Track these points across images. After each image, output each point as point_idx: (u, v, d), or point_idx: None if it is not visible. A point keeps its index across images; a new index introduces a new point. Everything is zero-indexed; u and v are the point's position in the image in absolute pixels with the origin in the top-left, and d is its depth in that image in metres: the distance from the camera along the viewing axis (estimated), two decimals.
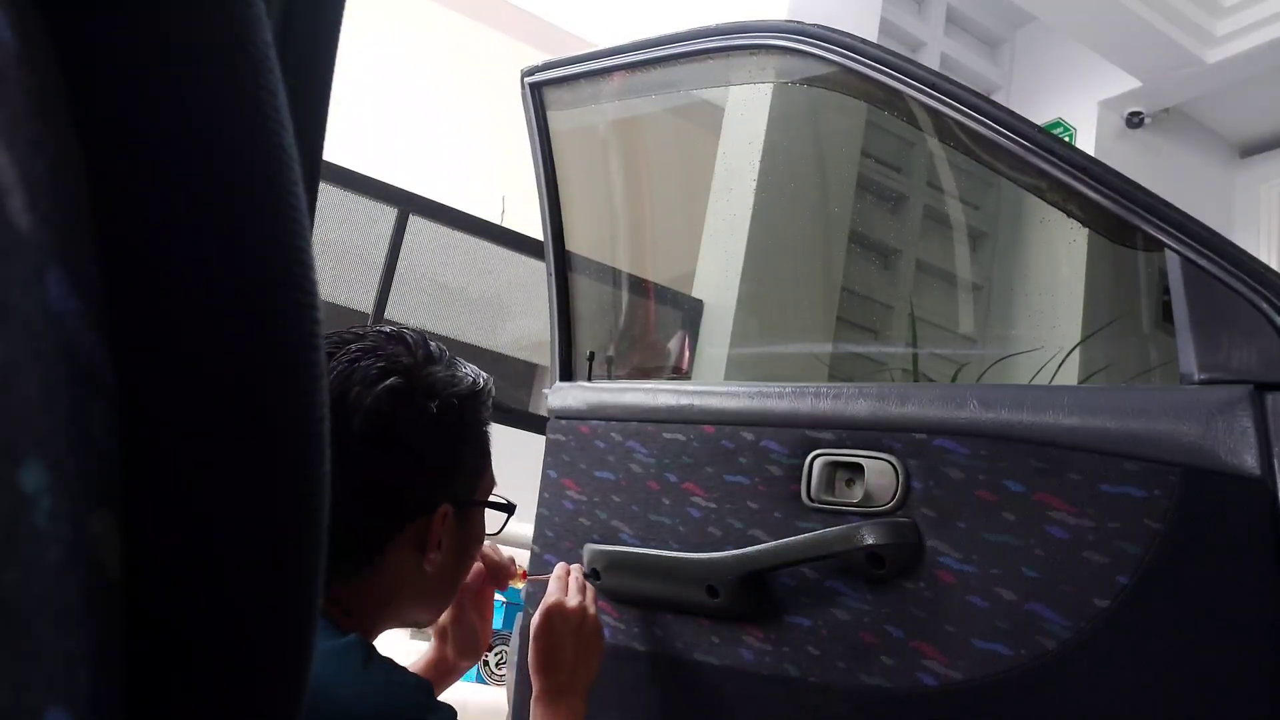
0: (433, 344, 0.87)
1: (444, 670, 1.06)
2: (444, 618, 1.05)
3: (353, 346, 0.82)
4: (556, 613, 1.01)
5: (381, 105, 4.29)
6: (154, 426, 0.22)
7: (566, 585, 1.06)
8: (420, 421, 0.82)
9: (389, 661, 0.79)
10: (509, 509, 0.95)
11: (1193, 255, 0.83)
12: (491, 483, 0.93)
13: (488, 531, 0.94)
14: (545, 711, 0.97)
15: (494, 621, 2.41)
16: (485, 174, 4.32)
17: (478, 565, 1.06)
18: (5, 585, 0.15)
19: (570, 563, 1.19)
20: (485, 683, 2.54)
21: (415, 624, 0.94)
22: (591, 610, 1.04)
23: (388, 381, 0.80)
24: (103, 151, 0.21)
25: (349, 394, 0.79)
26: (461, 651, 1.06)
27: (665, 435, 1.14)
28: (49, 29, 0.21)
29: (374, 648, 0.80)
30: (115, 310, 0.21)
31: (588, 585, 1.07)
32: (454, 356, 0.89)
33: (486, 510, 0.93)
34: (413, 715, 0.78)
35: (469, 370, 0.88)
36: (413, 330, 0.87)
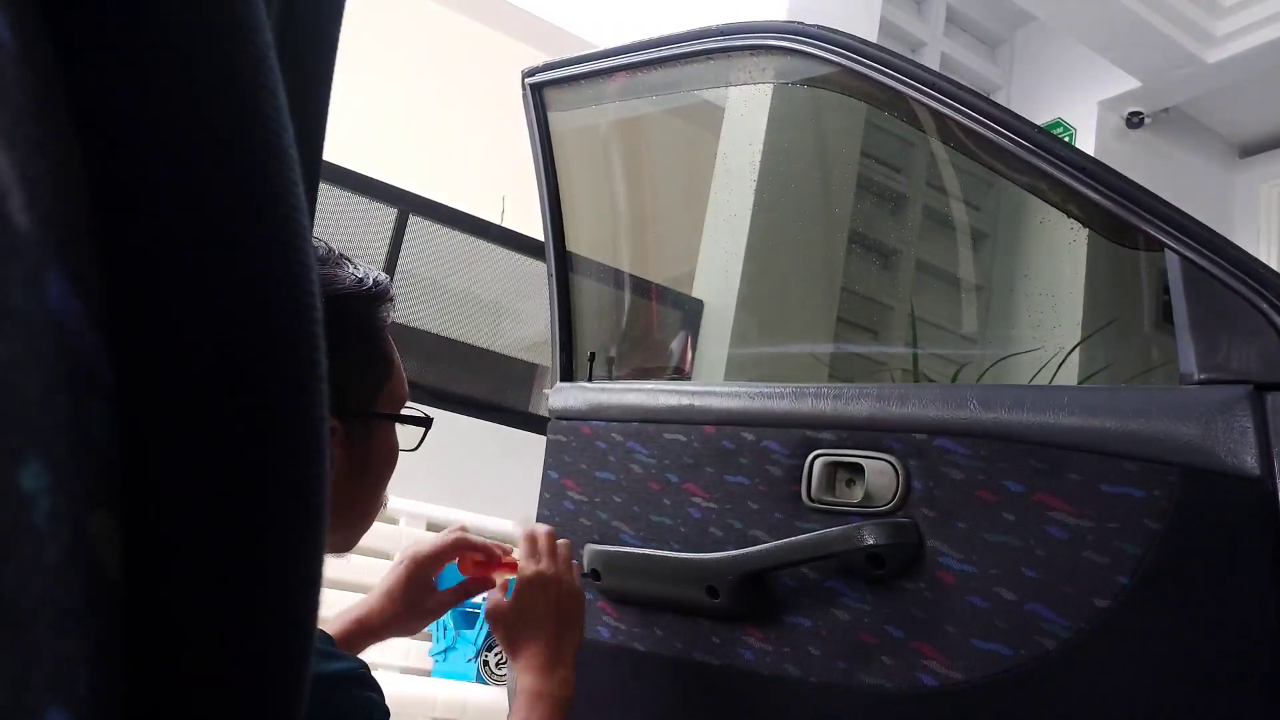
0: (321, 246, 0.80)
1: (364, 628, 1.00)
2: (392, 576, 1.00)
3: None
4: (527, 585, 0.95)
5: (381, 105, 4.29)
6: (154, 426, 0.22)
7: (536, 551, 0.99)
8: None
9: None
10: (424, 422, 0.87)
11: (1193, 255, 0.83)
12: (402, 394, 0.85)
13: (403, 447, 0.86)
14: (535, 686, 0.92)
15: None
16: (485, 174, 4.32)
17: (467, 552, 1.02)
18: (4, 585, 0.15)
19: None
20: (485, 683, 2.54)
21: (332, 551, 0.85)
22: (567, 575, 0.98)
23: None
24: (103, 151, 0.22)
25: None
26: (396, 618, 1.00)
27: (666, 436, 1.14)
28: (49, 29, 0.21)
29: None
30: (115, 310, 0.21)
31: (558, 546, 1.00)
32: (347, 257, 0.82)
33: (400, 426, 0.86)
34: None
35: (358, 270, 0.81)
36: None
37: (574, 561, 1.03)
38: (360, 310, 0.80)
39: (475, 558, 1.04)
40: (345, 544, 0.85)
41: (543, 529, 1.02)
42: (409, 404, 0.87)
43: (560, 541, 1.01)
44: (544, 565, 0.97)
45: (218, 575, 0.23)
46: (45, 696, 0.16)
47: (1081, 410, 0.86)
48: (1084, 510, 0.83)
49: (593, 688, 1.13)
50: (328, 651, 0.74)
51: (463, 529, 1.05)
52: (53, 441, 0.17)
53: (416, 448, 0.88)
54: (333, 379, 0.85)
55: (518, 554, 1.02)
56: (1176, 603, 0.79)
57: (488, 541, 1.05)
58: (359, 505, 0.83)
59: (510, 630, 0.95)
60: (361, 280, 0.80)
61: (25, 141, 0.18)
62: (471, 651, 2.58)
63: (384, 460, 0.84)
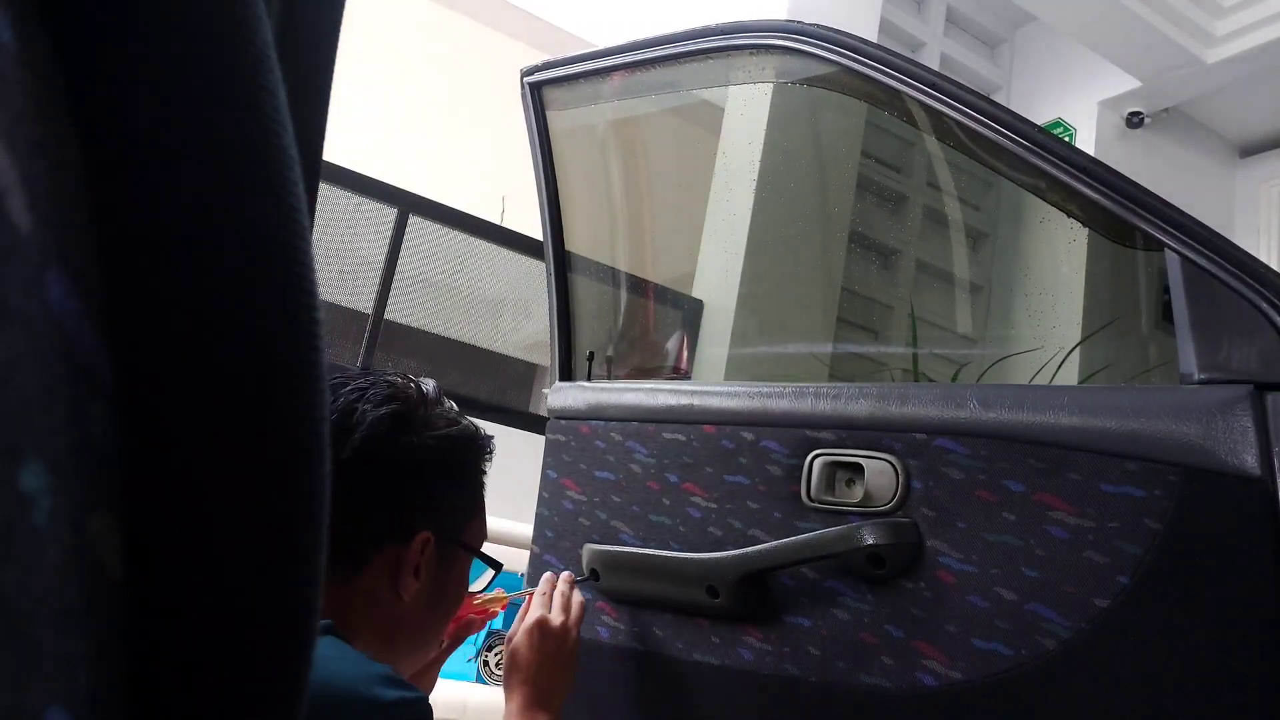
0: (441, 394, 0.92)
1: None
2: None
3: (362, 380, 0.87)
4: (541, 629, 1.02)
5: (381, 105, 4.29)
6: (154, 427, 0.22)
7: (550, 601, 1.06)
8: (413, 447, 0.85)
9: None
10: (496, 566, 0.96)
11: (1193, 255, 0.83)
12: (482, 534, 0.94)
13: (471, 588, 0.95)
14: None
15: (494, 623, 2.41)
16: (485, 174, 4.32)
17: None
18: (4, 585, 0.15)
19: (568, 563, 1.19)
20: (485, 683, 2.54)
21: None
22: (574, 633, 1.04)
23: (393, 406, 0.85)
24: (103, 152, 0.22)
25: (354, 412, 0.84)
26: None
27: (665, 435, 1.14)
28: (49, 29, 0.21)
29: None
30: (115, 310, 0.21)
31: (573, 603, 1.06)
32: (460, 412, 0.93)
33: (474, 563, 0.94)
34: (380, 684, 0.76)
35: (472, 422, 0.93)
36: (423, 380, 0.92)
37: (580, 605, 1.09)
38: (469, 453, 0.91)
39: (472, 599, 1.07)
40: (406, 664, 0.89)
41: (566, 577, 1.09)
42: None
43: (576, 600, 1.07)
44: (553, 615, 1.03)
45: (218, 575, 0.23)
46: (46, 697, 0.16)
47: (1081, 410, 0.86)
48: (1084, 510, 0.83)
49: (593, 688, 1.13)
50: (392, 678, 0.76)
51: None
52: (53, 442, 0.17)
53: (480, 591, 0.97)
54: (434, 503, 0.86)
55: (530, 570, 1.06)
56: (1177, 602, 0.79)
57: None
58: (431, 626, 0.90)
59: (509, 663, 1.02)
60: (476, 431, 0.92)
61: (25, 142, 0.18)
62: (471, 651, 2.58)
63: (456, 593, 0.92)
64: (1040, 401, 0.88)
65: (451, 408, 0.92)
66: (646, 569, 1.12)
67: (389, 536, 0.85)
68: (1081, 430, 0.85)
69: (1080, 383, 2.76)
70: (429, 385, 0.91)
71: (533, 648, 1.01)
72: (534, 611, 1.04)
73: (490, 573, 0.99)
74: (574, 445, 1.24)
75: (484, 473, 0.94)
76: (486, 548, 0.97)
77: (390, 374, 0.90)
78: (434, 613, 0.89)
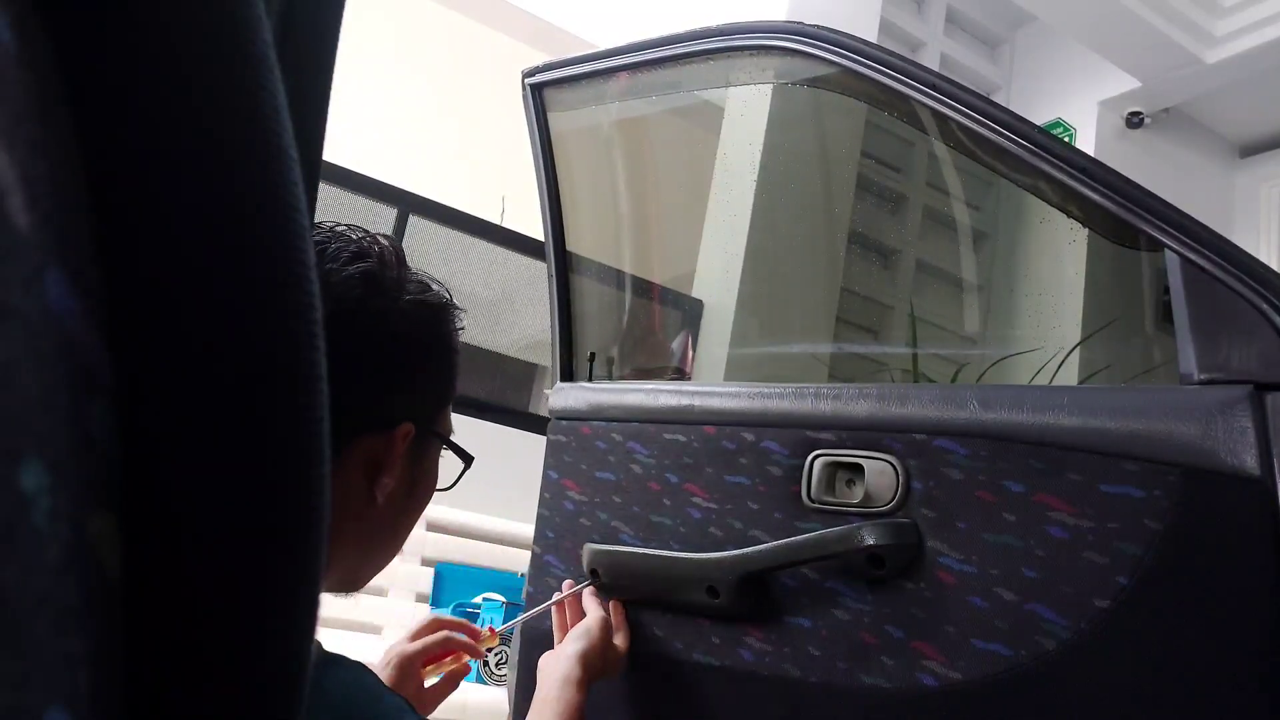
0: (390, 248, 0.78)
1: None
2: (383, 677, 0.94)
3: (325, 225, 0.74)
4: (602, 629, 1.05)
5: (382, 105, 4.29)
6: (154, 426, 0.22)
7: (572, 616, 1.10)
8: (391, 313, 0.72)
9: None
10: (467, 459, 0.83)
11: (1193, 255, 0.83)
12: (450, 425, 0.82)
13: (438, 486, 0.82)
14: (557, 691, 0.96)
15: (494, 622, 2.41)
16: (485, 174, 4.32)
17: (452, 641, 1.03)
18: (5, 585, 0.15)
19: (569, 564, 1.19)
20: (485, 683, 2.54)
21: (350, 582, 0.78)
22: (622, 648, 1.08)
23: (363, 264, 0.71)
24: (103, 152, 0.22)
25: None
26: None
27: (666, 436, 1.14)
28: (49, 29, 0.21)
29: None
30: (115, 310, 0.21)
31: (625, 628, 1.11)
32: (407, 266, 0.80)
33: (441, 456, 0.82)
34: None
35: (443, 287, 0.80)
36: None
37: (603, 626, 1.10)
38: (446, 322, 0.78)
39: (456, 641, 1.05)
40: (370, 572, 0.79)
41: (615, 606, 1.13)
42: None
43: (618, 638, 1.10)
44: (618, 636, 1.09)
45: (217, 575, 0.23)
46: (46, 696, 0.16)
47: (1081, 410, 0.86)
48: (1084, 510, 0.83)
49: (592, 688, 1.13)
50: (381, 691, 0.70)
51: (436, 619, 1.07)
52: (53, 441, 0.17)
53: (450, 488, 0.84)
54: (415, 385, 0.72)
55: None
56: (1176, 603, 0.79)
57: (461, 620, 1.09)
58: (398, 529, 0.78)
59: (569, 646, 1.02)
60: (449, 297, 0.78)
61: (25, 142, 0.18)
62: None
63: (428, 487, 0.80)
64: (1040, 402, 0.88)
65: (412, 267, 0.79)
66: (647, 569, 1.12)
67: (365, 424, 0.71)
68: (1081, 430, 0.85)
69: (1080, 383, 2.76)
70: (395, 243, 0.78)
71: (592, 639, 1.03)
72: (598, 613, 1.08)
73: (459, 469, 0.84)
74: (575, 446, 1.24)
75: (457, 351, 0.80)
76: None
77: (346, 225, 0.76)
78: (404, 513, 0.78)
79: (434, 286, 0.78)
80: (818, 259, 3.50)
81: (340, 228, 0.75)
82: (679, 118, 3.48)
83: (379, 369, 0.72)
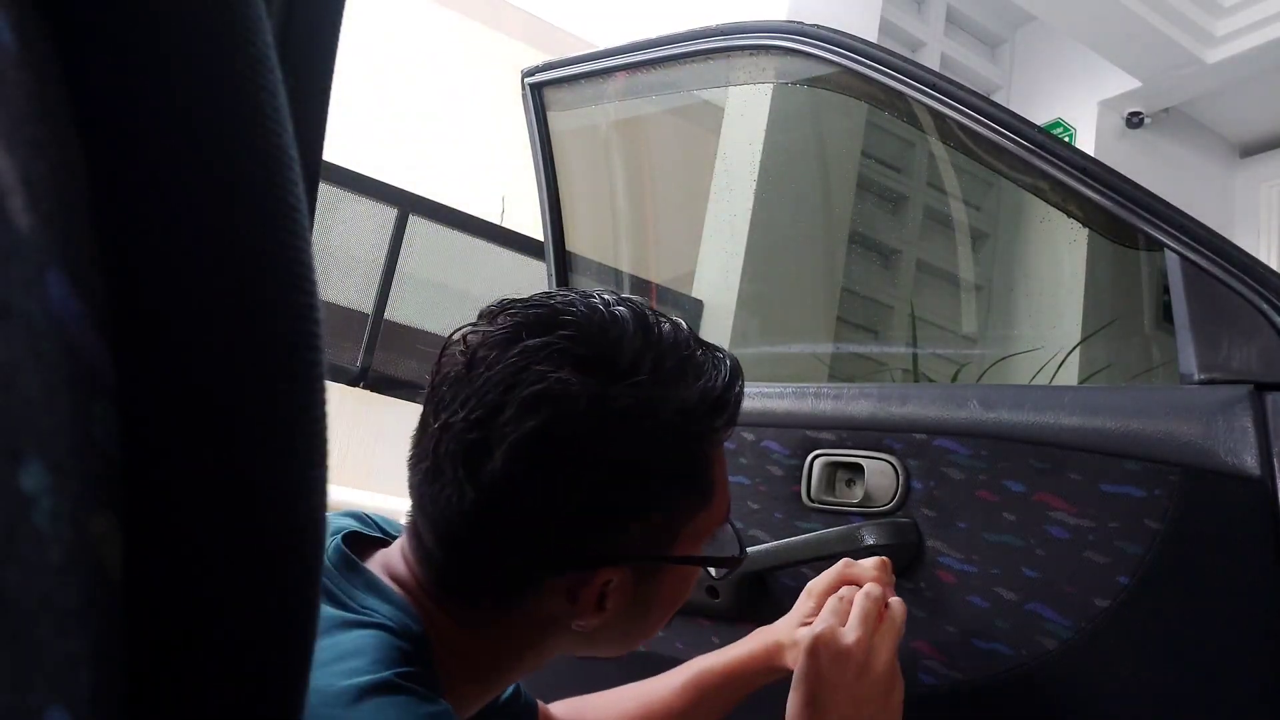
0: (666, 327, 0.59)
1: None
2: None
3: (536, 311, 0.56)
4: (826, 648, 0.69)
5: (382, 105, 4.29)
6: (154, 427, 0.22)
7: (847, 609, 0.72)
8: (616, 439, 0.55)
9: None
10: (734, 563, 0.67)
11: (1193, 255, 0.83)
12: (721, 514, 0.64)
13: (714, 575, 0.65)
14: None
15: None
16: (485, 174, 4.32)
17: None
18: (6, 585, 0.15)
19: None
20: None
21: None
22: (884, 656, 0.70)
23: (568, 386, 0.53)
24: (103, 152, 0.22)
25: (525, 374, 0.53)
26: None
27: None
28: (49, 30, 0.21)
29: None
30: (116, 311, 0.21)
31: (886, 608, 0.72)
32: (692, 343, 0.60)
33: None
34: None
35: (704, 368, 0.59)
36: (638, 304, 0.59)
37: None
38: (697, 423, 0.59)
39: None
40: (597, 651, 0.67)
41: (878, 566, 0.77)
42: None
43: (894, 601, 0.73)
44: (847, 631, 0.70)
45: (217, 575, 0.23)
46: (47, 696, 0.16)
47: (1081, 410, 0.86)
48: (1084, 510, 0.83)
49: (592, 688, 1.13)
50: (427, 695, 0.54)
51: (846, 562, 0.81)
52: (54, 442, 0.17)
53: (723, 577, 0.69)
54: (627, 521, 0.57)
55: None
56: (1177, 602, 0.79)
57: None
58: (627, 642, 0.66)
59: (796, 700, 0.69)
60: (710, 381, 0.59)
61: (26, 142, 0.18)
62: None
63: (672, 600, 0.65)
64: (1040, 401, 0.88)
65: (678, 342, 0.59)
66: None
67: (551, 567, 0.58)
68: (1082, 430, 0.85)
69: (1080, 383, 2.76)
70: (663, 319, 0.59)
71: (819, 674, 0.68)
72: (821, 622, 0.71)
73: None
74: None
75: (718, 435, 0.61)
76: None
77: (587, 295, 0.58)
78: (632, 631, 0.65)
79: (691, 378, 0.58)
80: (818, 259, 3.50)
81: (576, 302, 0.57)
82: (679, 118, 3.48)
83: (562, 513, 0.55)
